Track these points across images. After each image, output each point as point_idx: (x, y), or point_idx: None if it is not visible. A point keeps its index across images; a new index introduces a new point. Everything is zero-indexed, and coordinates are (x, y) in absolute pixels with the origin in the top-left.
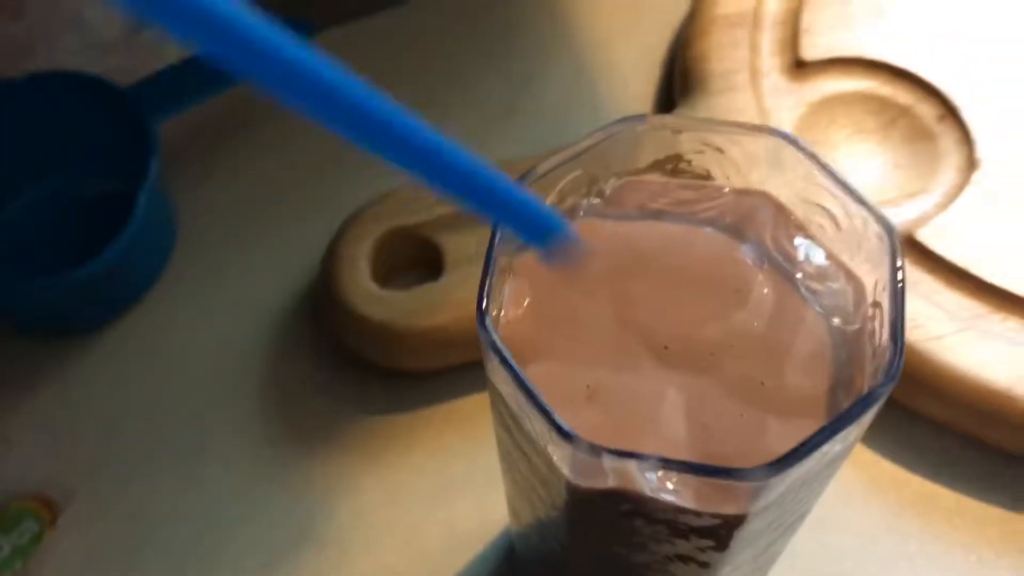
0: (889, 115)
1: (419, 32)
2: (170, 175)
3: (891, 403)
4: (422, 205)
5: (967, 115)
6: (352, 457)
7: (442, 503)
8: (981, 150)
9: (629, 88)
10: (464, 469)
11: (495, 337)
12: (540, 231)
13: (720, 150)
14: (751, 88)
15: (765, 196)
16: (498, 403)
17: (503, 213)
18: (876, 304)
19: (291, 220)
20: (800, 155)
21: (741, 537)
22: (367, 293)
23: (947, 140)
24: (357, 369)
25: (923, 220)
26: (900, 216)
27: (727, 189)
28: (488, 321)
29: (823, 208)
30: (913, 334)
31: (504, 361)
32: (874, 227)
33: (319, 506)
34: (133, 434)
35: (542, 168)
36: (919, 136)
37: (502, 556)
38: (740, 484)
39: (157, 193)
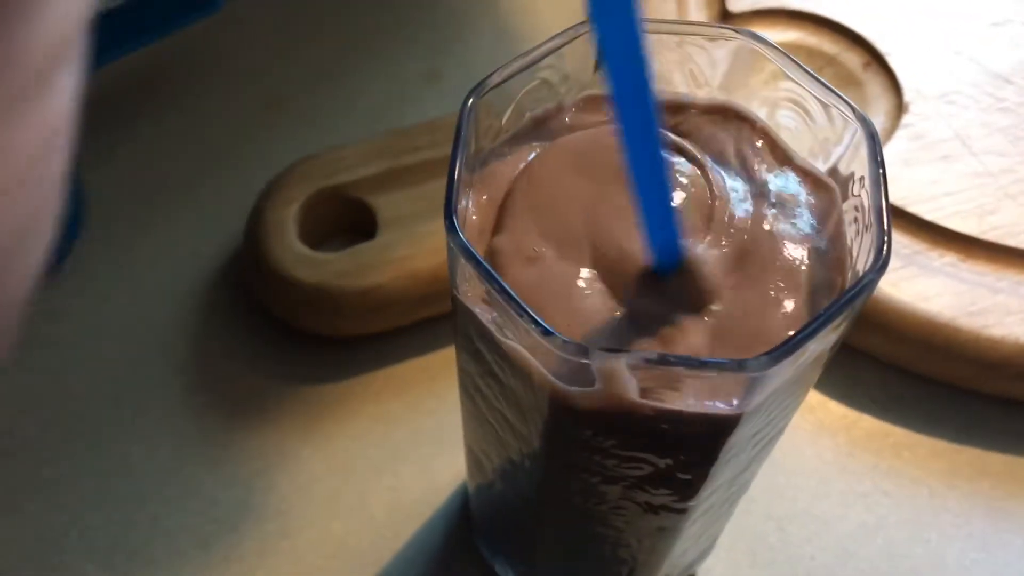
0: (816, 64)
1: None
2: (76, 147)
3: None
4: (348, 165)
5: (892, 61)
6: (289, 428)
7: (387, 470)
8: (908, 94)
9: None
10: (408, 435)
11: (464, 239)
12: (665, 244)
13: (686, 56)
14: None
15: (731, 109)
16: (466, 325)
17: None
18: (855, 204)
19: (209, 188)
20: (768, 52)
21: (729, 448)
22: (297, 256)
23: (874, 86)
24: (290, 338)
25: None
26: None
27: (692, 101)
28: (457, 224)
29: (793, 108)
30: None
31: (477, 264)
32: (849, 118)
33: (257, 480)
34: (47, 419)
35: (495, 78)
36: (847, 83)
37: (453, 522)
38: (738, 376)
39: None
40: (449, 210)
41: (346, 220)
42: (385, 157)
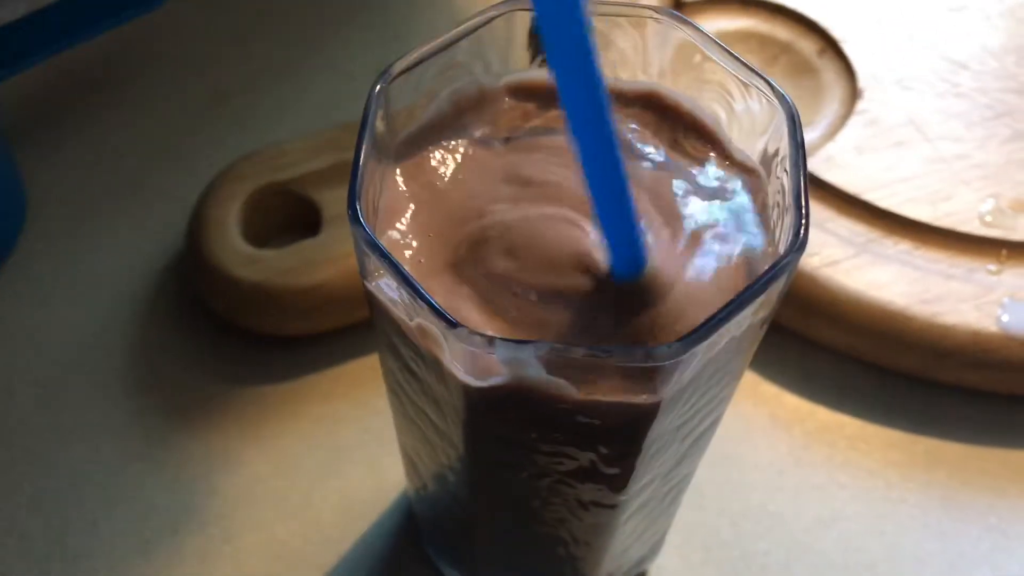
0: (770, 52)
1: None
2: (16, 145)
3: (791, 334)
4: (292, 160)
5: (847, 47)
6: (233, 430)
7: (333, 472)
8: (862, 80)
9: None
10: (354, 436)
11: (369, 231)
12: (627, 254)
13: (608, 40)
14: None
15: (657, 94)
16: (382, 321)
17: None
18: (777, 188)
19: (152, 186)
20: (689, 33)
21: (652, 440)
22: (238, 254)
23: (829, 73)
24: (234, 338)
25: (811, 150)
26: None
27: (617, 87)
28: (361, 215)
29: (717, 91)
30: (809, 261)
31: (382, 255)
32: (769, 98)
33: (199, 483)
34: None
35: (403, 63)
36: (801, 71)
37: (400, 523)
38: (649, 365)
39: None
40: (352, 198)
41: (292, 218)
42: (331, 151)
